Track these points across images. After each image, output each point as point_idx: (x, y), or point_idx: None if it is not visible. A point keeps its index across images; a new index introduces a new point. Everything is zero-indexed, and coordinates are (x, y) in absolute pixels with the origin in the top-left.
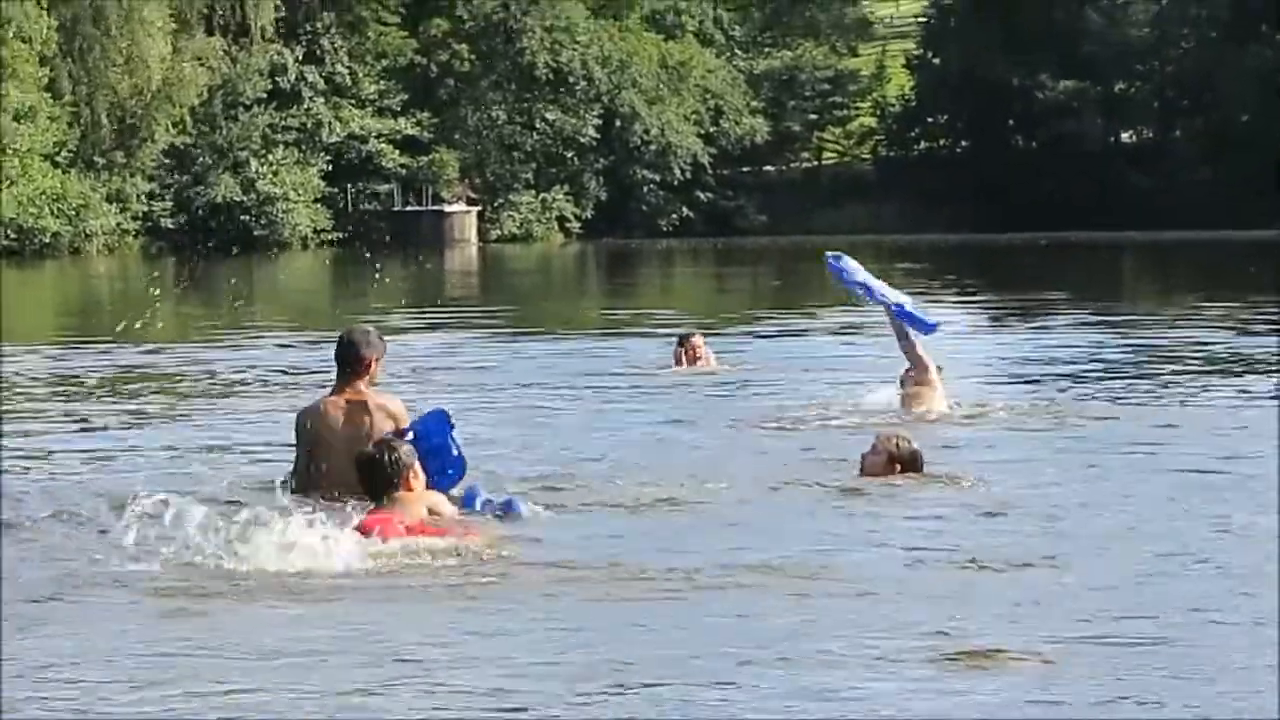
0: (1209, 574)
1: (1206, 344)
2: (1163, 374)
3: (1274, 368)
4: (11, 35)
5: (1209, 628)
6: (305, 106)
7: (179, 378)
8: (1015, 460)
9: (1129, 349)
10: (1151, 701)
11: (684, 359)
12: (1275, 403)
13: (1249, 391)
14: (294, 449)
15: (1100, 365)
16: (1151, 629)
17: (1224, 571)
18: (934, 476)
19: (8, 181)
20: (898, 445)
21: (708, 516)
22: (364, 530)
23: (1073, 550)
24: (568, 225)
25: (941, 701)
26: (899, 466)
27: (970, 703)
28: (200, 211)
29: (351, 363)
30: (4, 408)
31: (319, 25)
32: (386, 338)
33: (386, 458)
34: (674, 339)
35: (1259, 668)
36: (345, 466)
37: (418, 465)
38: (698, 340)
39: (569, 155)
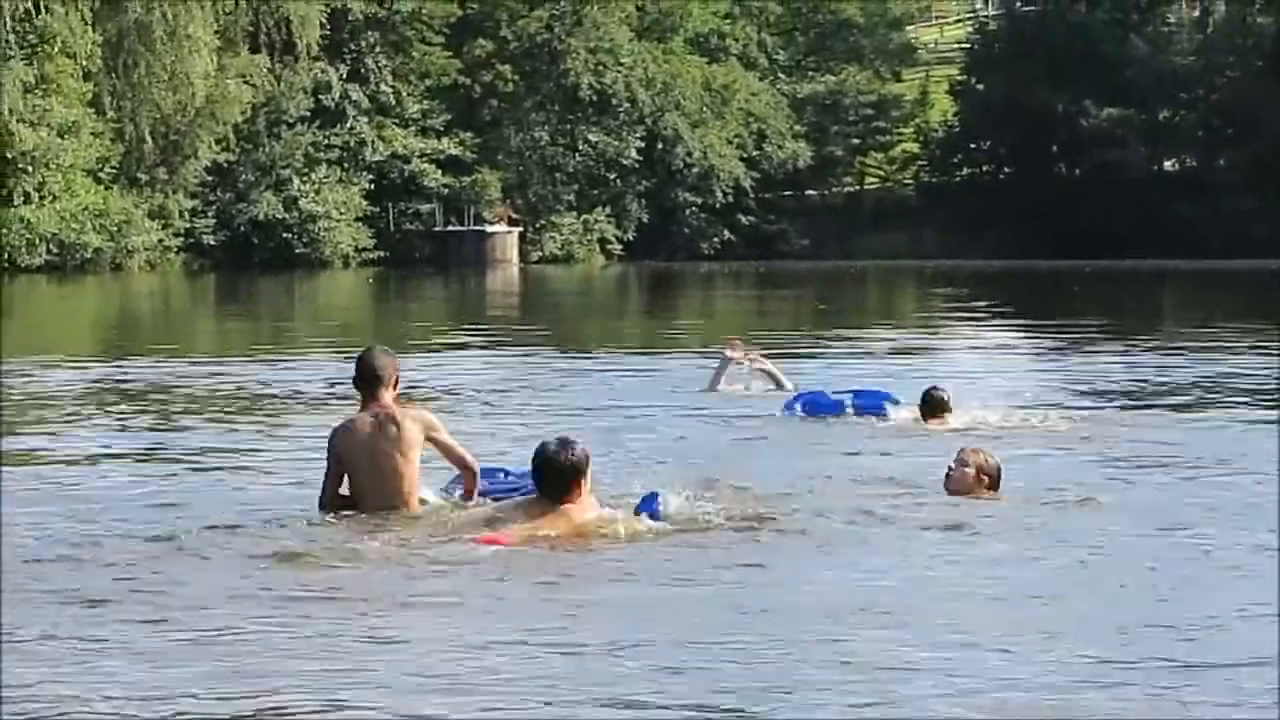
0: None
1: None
2: (1214, 401)
3: None
4: (56, 50)
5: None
6: (349, 125)
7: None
8: (1074, 484)
9: (1181, 376)
10: None
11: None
12: None
13: None
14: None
15: (1150, 391)
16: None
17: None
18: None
19: (50, 196)
20: (986, 460)
21: (804, 540)
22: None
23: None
24: (609, 247)
25: None
26: (987, 479)
27: None
28: (242, 229)
29: (371, 379)
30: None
31: (364, 44)
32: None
33: (562, 458)
34: (719, 359)
35: None
36: (371, 482)
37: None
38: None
39: (611, 177)
